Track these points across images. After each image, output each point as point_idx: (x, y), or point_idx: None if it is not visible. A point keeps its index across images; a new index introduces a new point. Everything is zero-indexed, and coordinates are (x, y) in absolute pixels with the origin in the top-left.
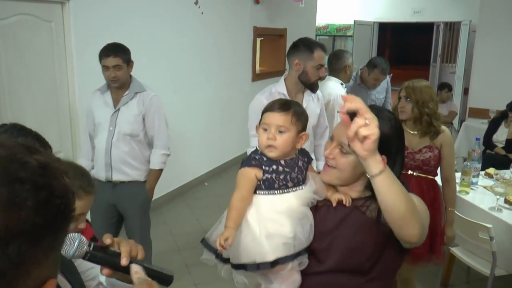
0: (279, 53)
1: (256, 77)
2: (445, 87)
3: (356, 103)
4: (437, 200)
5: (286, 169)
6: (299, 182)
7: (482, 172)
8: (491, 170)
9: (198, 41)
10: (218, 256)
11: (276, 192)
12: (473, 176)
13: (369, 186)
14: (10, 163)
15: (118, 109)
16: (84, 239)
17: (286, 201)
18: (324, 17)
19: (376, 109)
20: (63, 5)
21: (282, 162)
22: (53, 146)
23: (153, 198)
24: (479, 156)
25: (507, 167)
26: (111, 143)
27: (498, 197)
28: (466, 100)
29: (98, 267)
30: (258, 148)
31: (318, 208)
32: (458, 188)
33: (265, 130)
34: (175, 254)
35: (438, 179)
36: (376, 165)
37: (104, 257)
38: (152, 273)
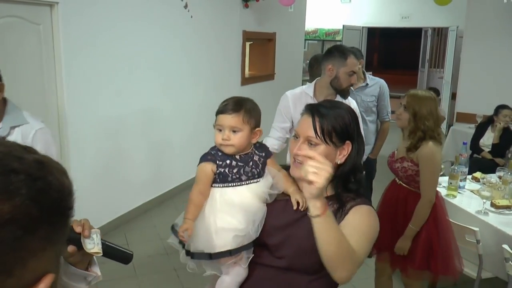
0: (268, 57)
1: (245, 81)
2: (433, 92)
3: (313, 152)
4: (438, 219)
5: (240, 163)
6: (254, 176)
7: (469, 176)
8: (478, 174)
9: (187, 44)
10: (181, 242)
11: (229, 185)
12: (460, 180)
13: (334, 184)
14: (6, 157)
15: None
16: None
17: (239, 194)
18: (313, 21)
19: (332, 102)
20: (52, 7)
21: (237, 156)
22: None
23: (142, 202)
24: (466, 160)
25: (494, 171)
26: None
27: (484, 200)
28: (453, 105)
29: None
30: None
31: (276, 201)
32: (445, 192)
33: (220, 130)
34: (163, 258)
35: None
36: (315, 209)
37: (74, 237)
38: (111, 250)
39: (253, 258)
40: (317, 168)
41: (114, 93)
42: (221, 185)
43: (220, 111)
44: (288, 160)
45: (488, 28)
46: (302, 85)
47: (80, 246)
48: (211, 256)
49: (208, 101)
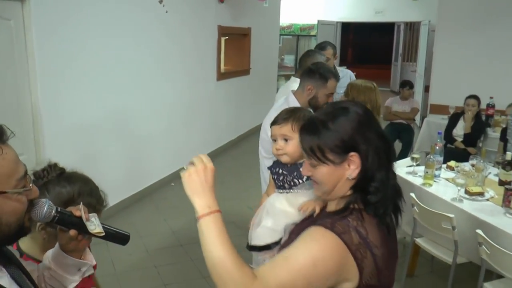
0: (243, 52)
1: (221, 76)
2: (407, 84)
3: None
4: None
5: (285, 172)
6: (296, 185)
7: (444, 165)
8: (452, 163)
9: (162, 40)
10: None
11: (278, 191)
12: (436, 169)
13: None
14: None
15: None
16: (52, 204)
17: (279, 200)
18: (288, 16)
19: (334, 111)
20: (23, 2)
21: (288, 166)
22: (15, 148)
23: (120, 200)
24: (441, 150)
25: (467, 160)
26: None
27: (459, 188)
28: (427, 97)
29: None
30: None
31: None
32: (422, 181)
33: (275, 141)
34: (143, 255)
35: None
36: (199, 207)
37: (70, 219)
38: (110, 232)
39: None
40: (190, 164)
41: (89, 90)
42: (275, 190)
43: (273, 122)
44: None
45: (459, 22)
46: (278, 80)
47: (82, 229)
48: (252, 248)
49: (184, 97)
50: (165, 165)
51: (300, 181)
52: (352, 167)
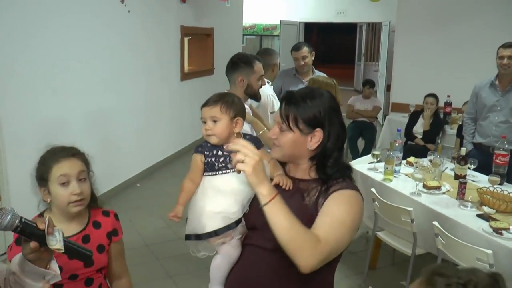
0: (207, 52)
1: (185, 76)
2: (367, 83)
3: (237, 145)
4: None
5: (226, 153)
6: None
7: (404, 161)
8: (411, 159)
9: (125, 40)
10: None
11: (216, 173)
12: (396, 165)
13: (315, 168)
14: None
15: None
16: (17, 213)
17: (225, 181)
18: (250, 17)
19: (310, 92)
20: None
21: (225, 147)
22: None
23: None
24: (401, 146)
25: (426, 156)
26: None
27: (417, 182)
28: (389, 96)
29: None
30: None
31: None
32: (382, 177)
33: (204, 123)
34: None
35: None
36: (262, 198)
37: (32, 231)
38: (72, 249)
39: (244, 240)
40: (245, 156)
41: (51, 91)
42: (210, 174)
43: (203, 105)
44: None
45: (418, 23)
46: None
47: (43, 242)
48: (200, 237)
49: (148, 98)
50: (131, 166)
51: None
52: (313, 141)
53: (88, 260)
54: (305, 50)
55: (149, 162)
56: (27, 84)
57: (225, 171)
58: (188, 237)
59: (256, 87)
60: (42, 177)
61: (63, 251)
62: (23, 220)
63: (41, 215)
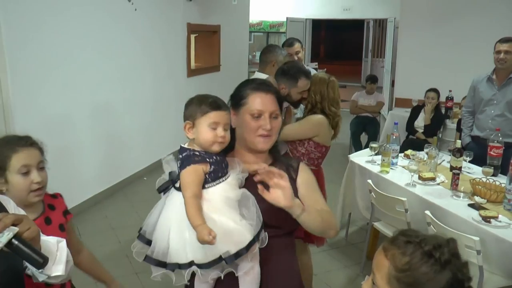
0: (213, 49)
1: (191, 72)
2: (370, 79)
3: (273, 174)
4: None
5: (220, 158)
6: (227, 168)
7: (402, 154)
8: (408, 152)
9: (132, 37)
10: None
11: (220, 180)
12: (393, 157)
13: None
14: None
15: None
16: None
17: (232, 187)
18: (257, 14)
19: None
20: None
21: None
22: None
23: (93, 194)
24: (398, 139)
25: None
26: None
27: (412, 174)
28: (393, 92)
29: None
30: (188, 146)
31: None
32: (379, 169)
33: (214, 129)
34: (116, 246)
35: None
36: (298, 208)
37: None
38: (19, 251)
39: None
40: (282, 189)
41: (61, 86)
42: (215, 183)
43: (216, 107)
44: None
45: (421, 19)
46: (249, 76)
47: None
48: (187, 266)
49: (155, 94)
50: (138, 159)
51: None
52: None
53: (39, 267)
54: (298, 45)
55: (156, 156)
56: (38, 78)
57: (225, 178)
58: (159, 262)
59: (295, 99)
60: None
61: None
62: None
63: None
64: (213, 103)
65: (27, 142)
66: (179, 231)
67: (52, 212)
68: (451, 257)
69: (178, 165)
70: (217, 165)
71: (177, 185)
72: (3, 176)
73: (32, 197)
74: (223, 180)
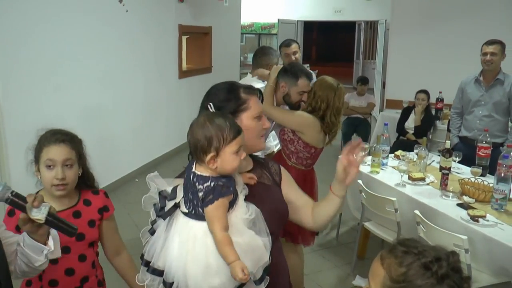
0: (205, 50)
1: (183, 74)
2: (360, 81)
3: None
4: (313, 194)
5: (232, 179)
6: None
7: (392, 155)
8: (399, 152)
9: (124, 39)
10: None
11: (237, 202)
12: (383, 158)
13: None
14: None
15: None
16: (8, 185)
17: (243, 205)
18: (249, 15)
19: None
20: None
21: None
22: None
23: None
24: (388, 140)
25: None
26: None
27: (402, 174)
28: (384, 93)
29: (16, 236)
30: (207, 174)
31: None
32: (369, 169)
33: (237, 152)
34: None
35: None
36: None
37: (18, 203)
38: (56, 222)
39: None
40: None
41: (52, 88)
42: (234, 207)
43: (237, 132)
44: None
45: (411, 21)
46: (241, 78)
47: (29, 214)
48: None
49: (147, 95)
50: (130, 161)
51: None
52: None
53: (70, 235)
54: (295, 46)
55: (148, 158)
56: (28, 81)
57: (237, 197)
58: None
59: (294, 99)
60: (36, 155)
61: (43, 221)
62: (14, 193)
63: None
64: (234, 128)
65: (58, 139)
66: (199, 260)
67: (85, 207)
68: (450, 271)
69: (199, 195)
70: (234, 189)
71: (184, 209)
72: (37, 165)
73: (54, 191)
74: (237, 202)
